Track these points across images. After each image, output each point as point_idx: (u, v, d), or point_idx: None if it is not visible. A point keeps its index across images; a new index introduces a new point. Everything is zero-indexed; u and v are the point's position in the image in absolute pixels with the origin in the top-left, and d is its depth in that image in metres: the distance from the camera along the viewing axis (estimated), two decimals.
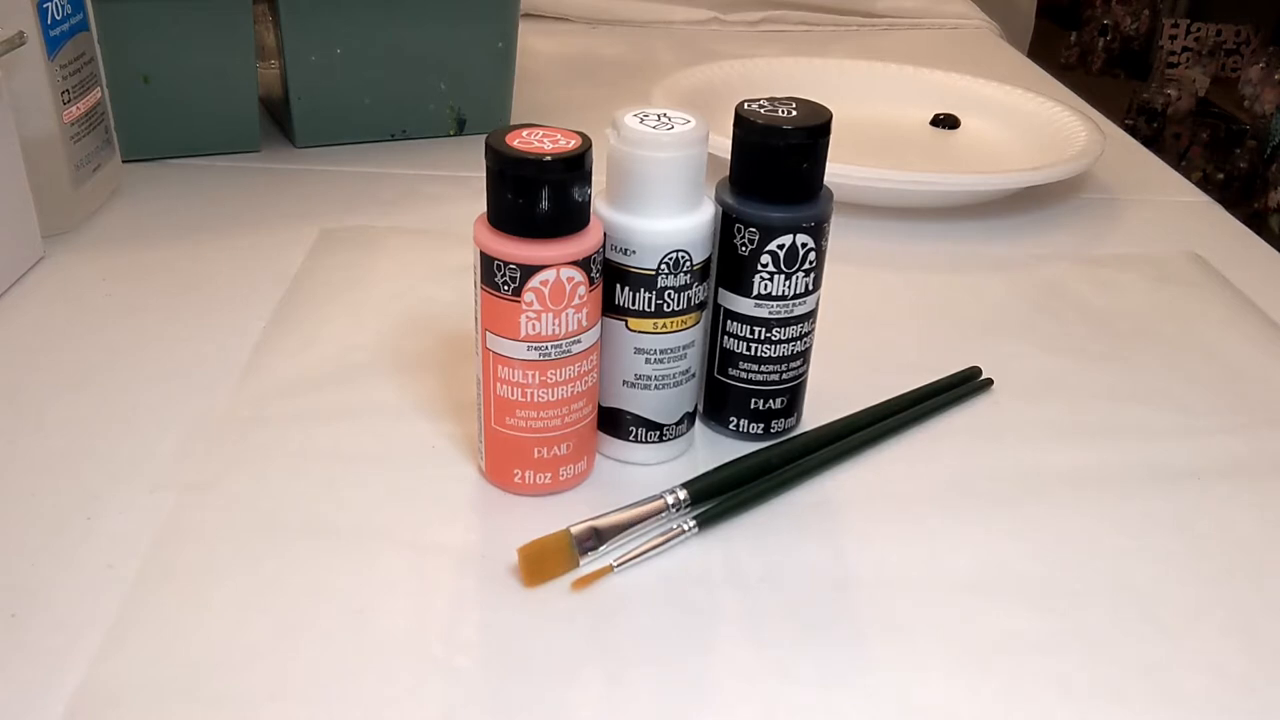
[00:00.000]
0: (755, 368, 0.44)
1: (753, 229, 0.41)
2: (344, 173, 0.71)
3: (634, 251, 0.40)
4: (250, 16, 0.69)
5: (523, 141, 0.37)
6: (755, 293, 0.43)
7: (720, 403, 0.46)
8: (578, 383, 0.40)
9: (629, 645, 0.36)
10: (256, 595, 0.37)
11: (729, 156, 0.42)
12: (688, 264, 0.40)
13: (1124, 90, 2.54)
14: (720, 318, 0.44)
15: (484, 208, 0.39)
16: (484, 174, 0.38)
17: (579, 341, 0.40)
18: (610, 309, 0.41)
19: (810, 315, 0.44)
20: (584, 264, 0.38)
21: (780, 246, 0.42)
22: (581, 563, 0.38)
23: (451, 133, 0.77)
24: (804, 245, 0.42)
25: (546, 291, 0.38)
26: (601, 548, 0.39)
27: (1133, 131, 2.05)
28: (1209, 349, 0.55)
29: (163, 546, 0.39)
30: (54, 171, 0.58)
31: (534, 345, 0.39)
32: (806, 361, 0.46)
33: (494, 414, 0.41)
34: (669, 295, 0.41)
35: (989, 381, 0.51)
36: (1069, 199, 0.73)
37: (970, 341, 0.55)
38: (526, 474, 0.41)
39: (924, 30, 1.17)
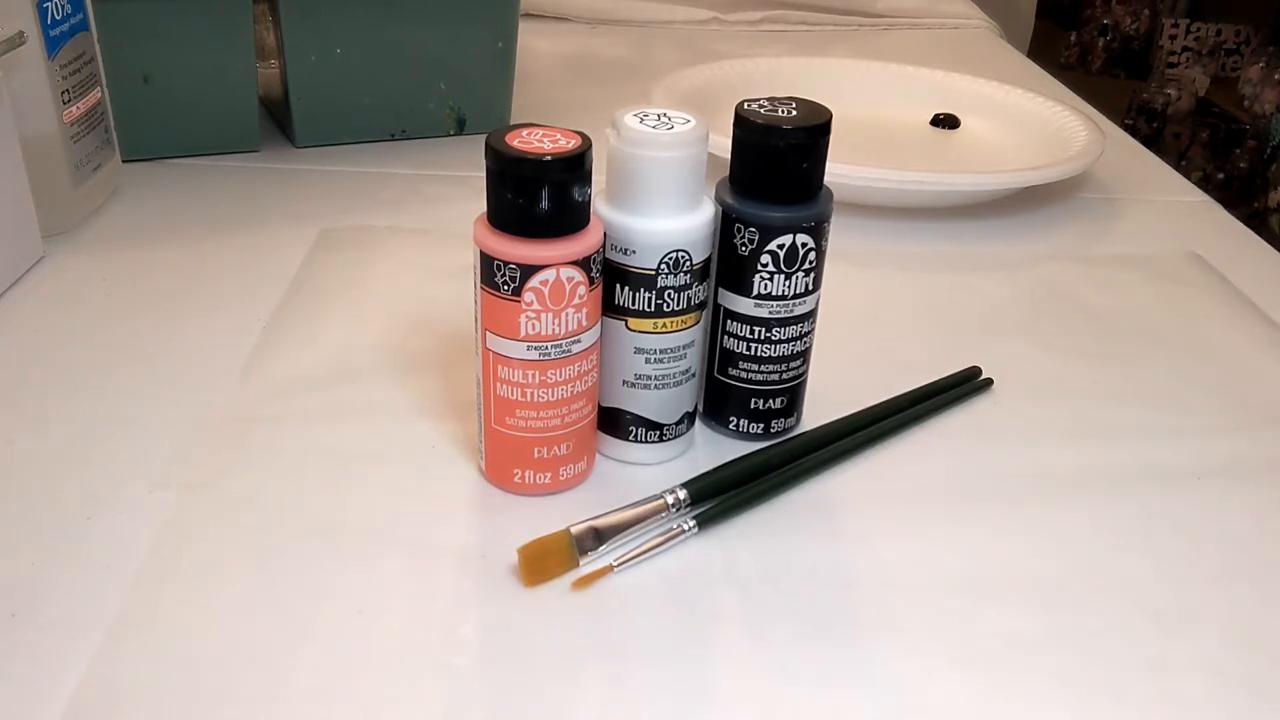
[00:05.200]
0: (755, 367, 0.44)
1: (753, 229, 0.41)
2: (344, 173, 0.71)
3: (634, 251, 0.40)
4: (250, 16, 0.69)
5: (523, 141, 0.37)
6: (755, 292, 0.43)
7: (720, 402, 0.46)
8: (578, 382, 0.40)
9: (629, 645, 0.36)
10: (256, 595, 0.37)
11: (729, 156, 0.42)
12: (688, 264, 0.41)
13: (1124, 90, 2.54)
14: (720, 317, 0.44)
15: (484, 208, 0.39)
16: (484, 174, 0.38)
17: (579, 341, 0.40)
18: (610, 309, 0.41)
19: (810, 315, 0.44)
20: (584, 264, 0.38)
21: (780, 246, 0.42)
22: (581, 563, 0.38)
23: (451, 133, 0.77)
24: (804, 245, 0.42)
25: (546, 291, 0.38)
26: (601, 548, 0.39)
27: (1133, 131, 2.05)
28: (1209, 349, 0.55)
29: (162, 546, 0.39)
30: (54, 171, 0.58)
31: (534, 345, 0.39)
32: (806, 361, 0.46)
33: (494, 414, 0.41)
34: (669, 295, 0.41)
35: (989, 381, 0.51)
36: (1069, 199, 0.73)
37: (970, 341, 0.55)
38: (526, 474, 0.41)
39: (924, 30, 1.17)
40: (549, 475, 0.42)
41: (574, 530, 0.39)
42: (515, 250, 0.37)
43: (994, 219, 0.69)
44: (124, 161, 0.66)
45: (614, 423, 0.44)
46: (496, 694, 0.34)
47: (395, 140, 0.76)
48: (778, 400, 0.45)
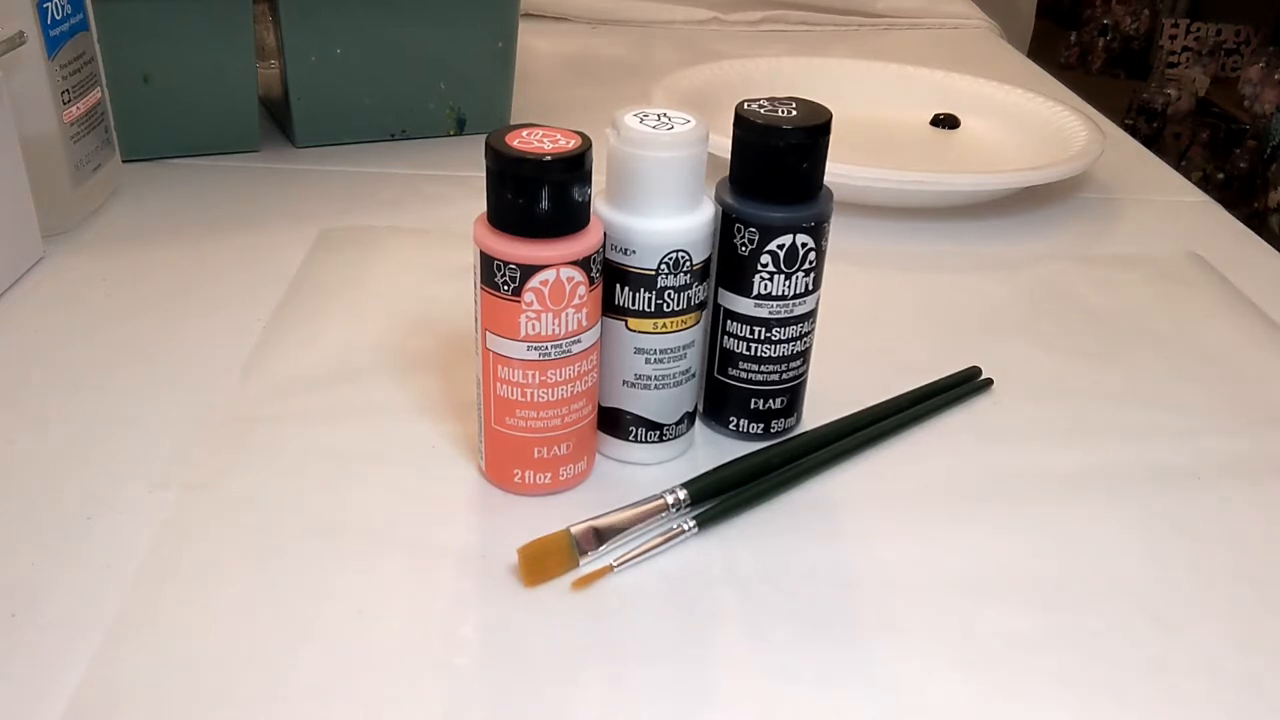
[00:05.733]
0: (755, 368, 0.44)
1: (753, 229, 0.41)
2: (344, 173, 0.71)
3: (634, 251, 0.40)
4: (250, 16, 0.69)
5: (523, 141, 0.37)
6: (755, 293, 0.43)
7: (720, 402, 0.46)
8: (578, 382, 0.40)
9: (629, 645, 0.36)
10: (256, 595, 0.37)
11: (729, 156, 0.42)
12: (688, 264, 0.41)
13: (1124, 90, 2.54)
14: (720, 318, 0.44)
15: (484, 208, 0.39)
16: (484, 174, 0.38)
17: (579, 341, 0.40)
18: (610, 309, 0.41)
19: (810, 315, 0.44)
20: (584, 264, 0.38)
21: (780, 246, 0.42)
22: (581, 563, 0.38)
23: (451, 133, 0.77)
24: (804, 245, 0.42)
25: (546, 291, 0.38)
26: (601, 548, 0.39)
27: (1133, 131, 2.05)
28: (1209, 349, 0.55)
29: (162, 546, 0.39)
30: (54, 171, 0.58)
31: (534, 345, 0.39)
32: (806, 361, 0.46)
33: (494, 414, 0.41)
34: (669, 295, 0.41)
35: (989, 381, 0.51)
36: (1069, 199, 0.73)
37: (970, 341, 0.55)
38: (526, 474, 0.41)
39: (924, 30, 1.17)
40: (549, 475, 0.42)
41: (574, 530, 0.39)
42: (515, 250, 0.37)
43: (994, 219, 0.69)
44: (124, 161, 0.66)
45: (614, 423, 0.44)
46: (496, 694, 0.34)
47: (395, 140, 0.76)
48: (778, 400, 0.45)
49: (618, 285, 0.41)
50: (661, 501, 0.40)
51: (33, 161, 0.55)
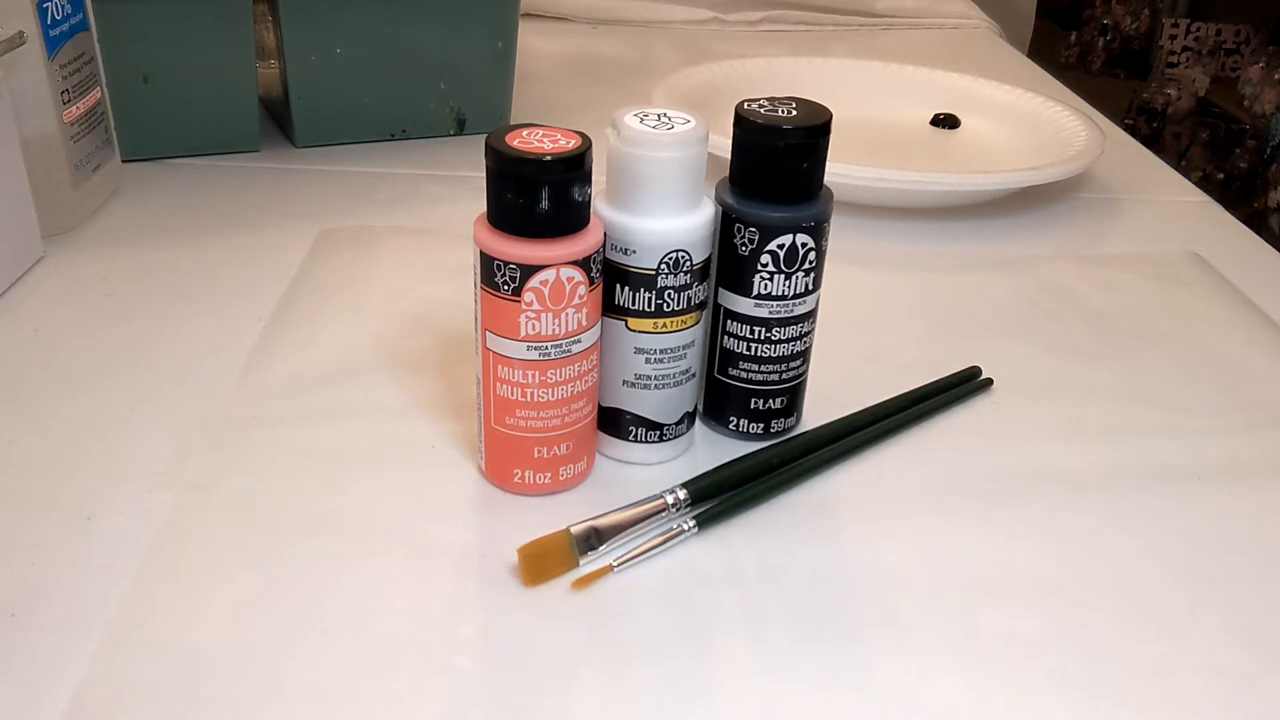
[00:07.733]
0: (755, 367, 0.44)
1: (753, 229, 0.41)
2: (344, 173, 0.71)
3: (634, 251, 0.40)
4: (250, 16, 0.69)
5: (523, 141, 0.37)
6: (755, 292, 0.43)
7: (720, 402, 0.46)
8: (578, 382, 0.40)
9: (629, 645, 0.36)
10: (256, 595, 0.37)
11: (729, 156, 0.42)
12: (688, 264, 0.41)
13: (1124, 90, 2.54)
14: (720, 317, 0.44)
15: (484, 208, 0.39)
16: (484, 174, 0.38)
17: (579, 341, 0.40)
18: (610, 309, 0.41)
19: (810, 315, 0.44)
20: (584, 264, 0.38)
21: (780, 246, 0.42)
22: (581, 563, 0.38)
23: (451, 133, 0.77)
24: (804, 245, 0.42)
25: (546, 291, 0.38)
26: (601, 548, 0.39)
27: (1133, 131, 2.05)
28: (1209, 349, 0.55)
29: (163, 546, 0.39)
30: (54, 171, 0.58)
31: (534, 345, 0.39)
32: (806, 361, 0.46)
33: (494, 414, 0.41)
34: (669, 295, 0.41)
35: (989, 381, 0.51)
36: (1069, 199, 0.73)
37: (970, 341, 0.55)
38: (526, 474, 0.41)
39: (924, 30, 1.17)
40: (549, 475, 0.42)
41: (574, 530, 0.39)
42: (515, 250, 0.37)
43: (994, 219, 0.69)
44: (124, 161, 0.66)
45: (614, 423, 0.44)
46: (496, 694, 0.34)
47: (395, 140, 0.76)
48: (778, 400, 0.45)
49: (618, 285, 0.41)
50: (661, 501, 0.40)
51: (33, 161, 0.55)
